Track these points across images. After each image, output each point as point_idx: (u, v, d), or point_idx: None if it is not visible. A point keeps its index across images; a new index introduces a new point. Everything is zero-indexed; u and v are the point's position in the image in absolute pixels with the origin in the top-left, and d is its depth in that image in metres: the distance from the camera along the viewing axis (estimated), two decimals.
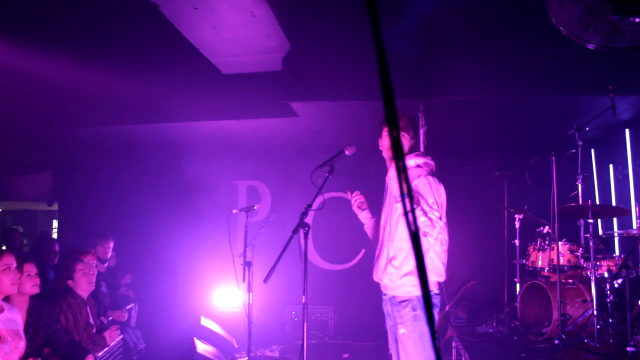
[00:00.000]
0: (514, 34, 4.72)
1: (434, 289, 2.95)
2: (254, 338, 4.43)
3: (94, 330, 4.03)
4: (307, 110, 5.45)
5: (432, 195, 2.86)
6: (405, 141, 3.09)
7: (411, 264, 2.86)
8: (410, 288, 2.87)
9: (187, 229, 7.33)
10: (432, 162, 3.10)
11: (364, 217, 3.31)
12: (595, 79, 4.56)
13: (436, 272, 2.91)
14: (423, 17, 4.73)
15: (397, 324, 2.89)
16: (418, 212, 2.79)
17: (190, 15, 4.21)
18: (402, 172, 0.68)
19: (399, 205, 2.94)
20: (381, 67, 0.68)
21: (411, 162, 3.07)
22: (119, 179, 7.78)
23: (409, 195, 0.68)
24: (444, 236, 2.96)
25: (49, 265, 5.39)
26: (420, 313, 2.82)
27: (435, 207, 2.83)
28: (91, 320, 4.06)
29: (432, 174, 3.03)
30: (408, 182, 0.69)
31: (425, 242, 2.85)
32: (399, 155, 0.69)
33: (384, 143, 3.13)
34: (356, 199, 3.25)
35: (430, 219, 2.78)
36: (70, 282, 3.98)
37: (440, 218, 2.83)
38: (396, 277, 2.89)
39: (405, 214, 0.69)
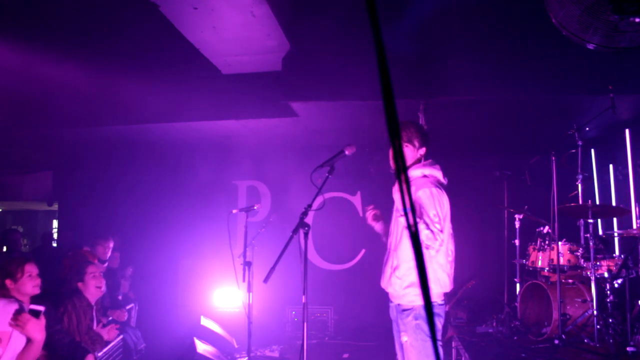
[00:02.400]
0: (514, 33, 4.72)
1: (437, 299, 2.95)
2: (254, 338, 4.43)
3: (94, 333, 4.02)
4: (307, 110, 5.45)
5: (434, 207, 2.84)
6: (409, 151, 3.07)
7: (414, 275, 2.87)
8: (413, 297, 2.89)
9: (187, 229, 7.33)
10: (439, 173, 3.08)
11: (379, 228, 3.26)
12: (595, 79, 4.56)
13: (440, 284, 2.91)
14: (423, 17, 4.73)
15: (400, 331, 2.93)
16: (421, 226, 2.79)
17: (190, 15, 4.21)
18: (403, 182, 0.68)
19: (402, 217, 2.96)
20: (381, 67, 0.68)
21: (417, 172, 3.04)
22: (119, 179, 7.79)
23: (411, 207, 0.68)
24: (450, 247, 2.98)
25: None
26: (422, 322, 2.83)
27: (437, 219, 2.81)
28: (94, 326, 4.05)
29: (438, 184, 3.00)
30: (410, 192, 0.69)
31: (426, 254, 2.85)
32: (399, 157, 0.69)
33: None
34: (370, 212, 3.22)
35: (432, 231, 2.77)
36: (80, 285, 3.97)
37: (442, 230, 2.81)
38: (399, 287, 2.93)
39: (406, 214, 0.69)
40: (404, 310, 2.91)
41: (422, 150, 3.11)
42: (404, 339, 2.89)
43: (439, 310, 2.93)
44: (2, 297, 3.04)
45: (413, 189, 2.94)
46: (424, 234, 2.76)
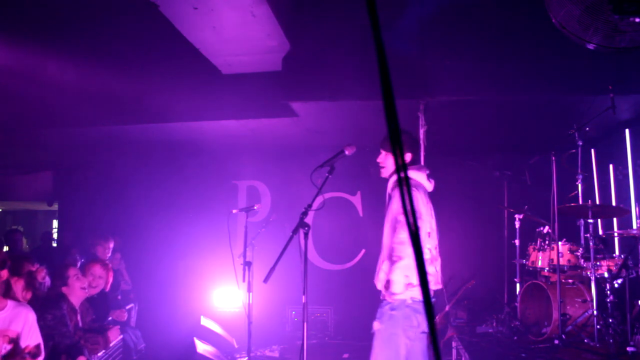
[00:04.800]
0: (514, 34, 4.72)
1: (417, 296, 2.92)
2: (254, 338, 4.43)
3: (82, 333, 3.97)
4: (307, 110, 5.45)
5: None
6: (391, 157, 3.11)
7: (395, 272, 2.87)
8: (392, 292, 2.89)
9: (188, 229, 7.33)
10: (422, 176, 3.10)
11: None
12: (595, 79, 4.56)
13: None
14: (423, 17, 4.73)
15: (375, 318, 2.95)
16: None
17: (190, 15, 4.20)
18: (403, 183, 0.68)
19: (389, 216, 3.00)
20: (381, 67, 0.68)
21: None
22: (120, 179, 7.79)
23: (411, 208, 0.68)
24: (429, 245, 3.00)
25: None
26: (397, 314, 2.85)
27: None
28: (80, 325, 4.02)
29: (415, 186, 3.04)
30: (410, 192, 0.69)
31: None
32: (396, 144, 0.69)
33: (384, 163, 3.14)
34: None
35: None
36: (64, 289, 3.91)
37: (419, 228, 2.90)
38: (384, 281, 2.95)
39: (406, 214, 0.69)
40: (382, 299, 2.95)
41: (408, 156, 3.12)
42: (375, 326, 2.91)
43: (419, 307, 2.95)
44: (13, 300, 3.06)
45: (394, 192, 3.01)
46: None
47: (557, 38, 3.48)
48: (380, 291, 3.15)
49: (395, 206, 2.94)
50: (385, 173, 3.16)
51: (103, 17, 4.93)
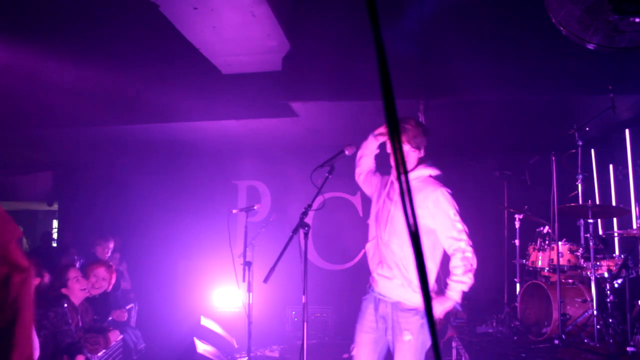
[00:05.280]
0: (514, 34, 4.72)
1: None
2: (254, 338, 4.43)
3: (83, 333, 3.98)
4: (307, 110, 5.44)
5: (454, 206, 2.86)
6: (415, 153, 3.01)
7: (471, 278, 2.84)
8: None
9: (188, 229, 7.33)
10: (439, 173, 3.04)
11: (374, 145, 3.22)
12: (595, 79, 4.56)
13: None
14: (423, 17, 4.73)
15: (401, 329, 2.80)
16: (469, 247, 2.80)
17: (190, 15, 4.20)
18: (404, 183, 0.68)
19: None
20: (381, 67, 0.68)
21: (425, 172, 2.98)
22: (119, 179, 7.78)
23: (411, 208, 0.68)
24: None
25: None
26: (425, 322, 2.81)
27: (458, 217, 2.85)
28: (80, 324, 4.03)
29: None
30: (410, 193, 0.69)
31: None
32: (399, 158, 0.69)
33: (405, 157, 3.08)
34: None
35: (462, 230, 2.83)
36: (64, 290, 3.92)
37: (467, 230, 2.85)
38: (415, 287, 2.83)
39: (406, 214, 0.69)
40: (409, 309, 2.81)
41: (423, 151, 3.06)
42: (407, 337, 2.78)
43: None
44: None
45: (424, 189, 2.88)
46: (470, 257, 2.79)
47: (557, 38, 3.48)
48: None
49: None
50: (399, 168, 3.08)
51: (103, 17, 4.93)
